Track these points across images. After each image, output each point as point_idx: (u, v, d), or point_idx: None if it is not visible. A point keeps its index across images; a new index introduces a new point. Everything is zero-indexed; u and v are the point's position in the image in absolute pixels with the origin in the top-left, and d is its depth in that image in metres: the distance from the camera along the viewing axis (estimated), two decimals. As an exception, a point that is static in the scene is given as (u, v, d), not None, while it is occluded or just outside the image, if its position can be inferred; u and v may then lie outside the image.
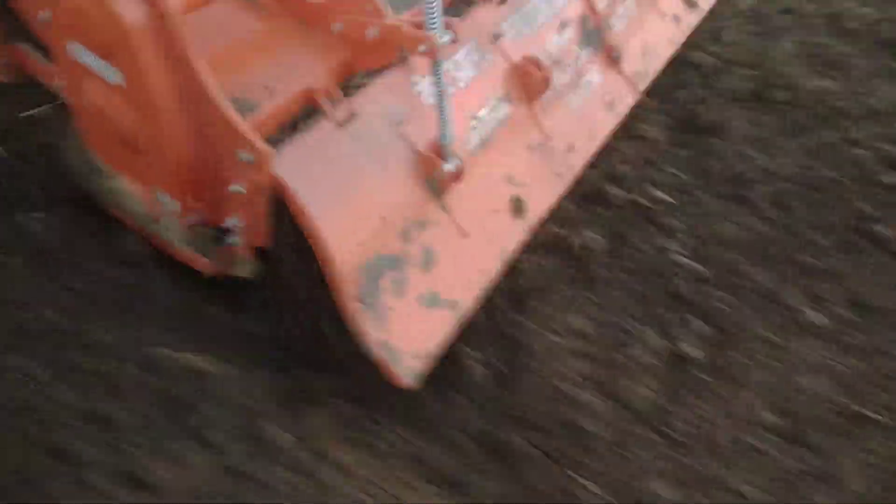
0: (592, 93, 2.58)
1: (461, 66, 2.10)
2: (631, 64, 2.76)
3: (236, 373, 1.83)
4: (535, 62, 2.24)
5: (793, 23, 3.79)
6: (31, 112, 2.42)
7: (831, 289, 2.43)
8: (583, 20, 2.57)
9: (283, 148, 1.68)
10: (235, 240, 1.80)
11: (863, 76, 3.35)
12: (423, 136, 1.90)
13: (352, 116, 1.81)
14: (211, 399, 1.73)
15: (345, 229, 1.71)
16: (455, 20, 1.78)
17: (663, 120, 3.09)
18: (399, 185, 1.86)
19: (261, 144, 1.58)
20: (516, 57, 2.25)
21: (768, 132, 3.09)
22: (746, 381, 2.17)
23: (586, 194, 2.66)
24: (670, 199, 2.73)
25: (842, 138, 3.00)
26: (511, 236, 2.11)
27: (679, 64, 3.29)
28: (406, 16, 1.93)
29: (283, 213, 1.67)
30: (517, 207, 2.13)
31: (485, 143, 2.11)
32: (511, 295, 2.26)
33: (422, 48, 1.75)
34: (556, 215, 2.46)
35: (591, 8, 2.60)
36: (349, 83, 1.94)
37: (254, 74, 1.86)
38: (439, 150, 1.86)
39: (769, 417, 2.07)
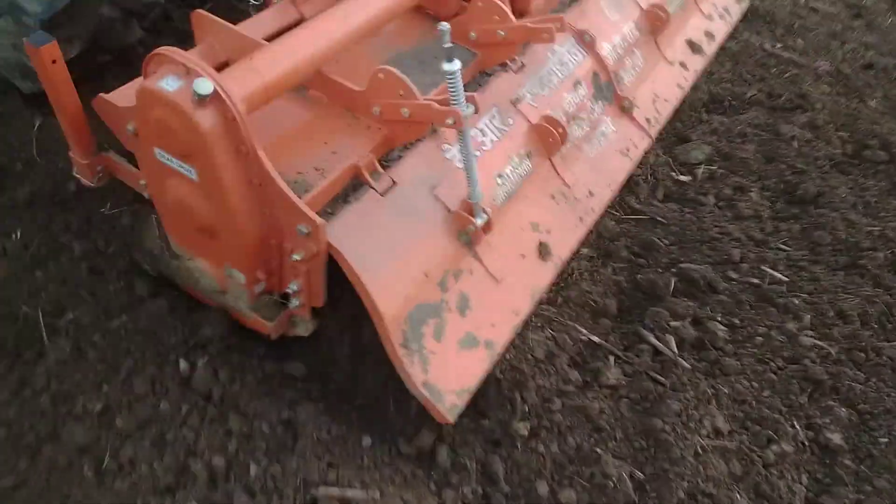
0: (608, 142, 2.77)
1: (486, 131, 2.34)
2: (643, 111, 2.94)
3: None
4: (553, 121, 2.44)
5: (875, 78, 3.77)
6: (114, 210, 2.59)
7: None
8: (594, 76, 2.78)
9: (335, 219, 1.94)
10: (295, 302, 2.03)
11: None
12: (454, 196, 2.13)
13: (392, 185, 2.07)
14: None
15: (391, 285, 1.93)
16: (476, 94, 2.01)
17: (765, 195, 3.07)
18: (436, 241, 2.08)
19: (315, 217, 1.80)
20: (535, 118, 2.46)
21: (872, 195, 3.04)
22: (892, 463, 2.19)
23: (692, 280, 2.64)
24: (785, 278, 2.69)
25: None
26: (539, 278, 2.31)
27: (770, 133, 3.31)
28: (433, 94, 2.15)
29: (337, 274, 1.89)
30: (543, 251, 2.34)
31: (510, 196, 2.32)
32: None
33: (449, 121, 1.98)
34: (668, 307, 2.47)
35: (602, 65, 2.81)
36: (389, 156, 2.17)
37: (307, 157, 2.05)
38: (470, 208, 2.09)
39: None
